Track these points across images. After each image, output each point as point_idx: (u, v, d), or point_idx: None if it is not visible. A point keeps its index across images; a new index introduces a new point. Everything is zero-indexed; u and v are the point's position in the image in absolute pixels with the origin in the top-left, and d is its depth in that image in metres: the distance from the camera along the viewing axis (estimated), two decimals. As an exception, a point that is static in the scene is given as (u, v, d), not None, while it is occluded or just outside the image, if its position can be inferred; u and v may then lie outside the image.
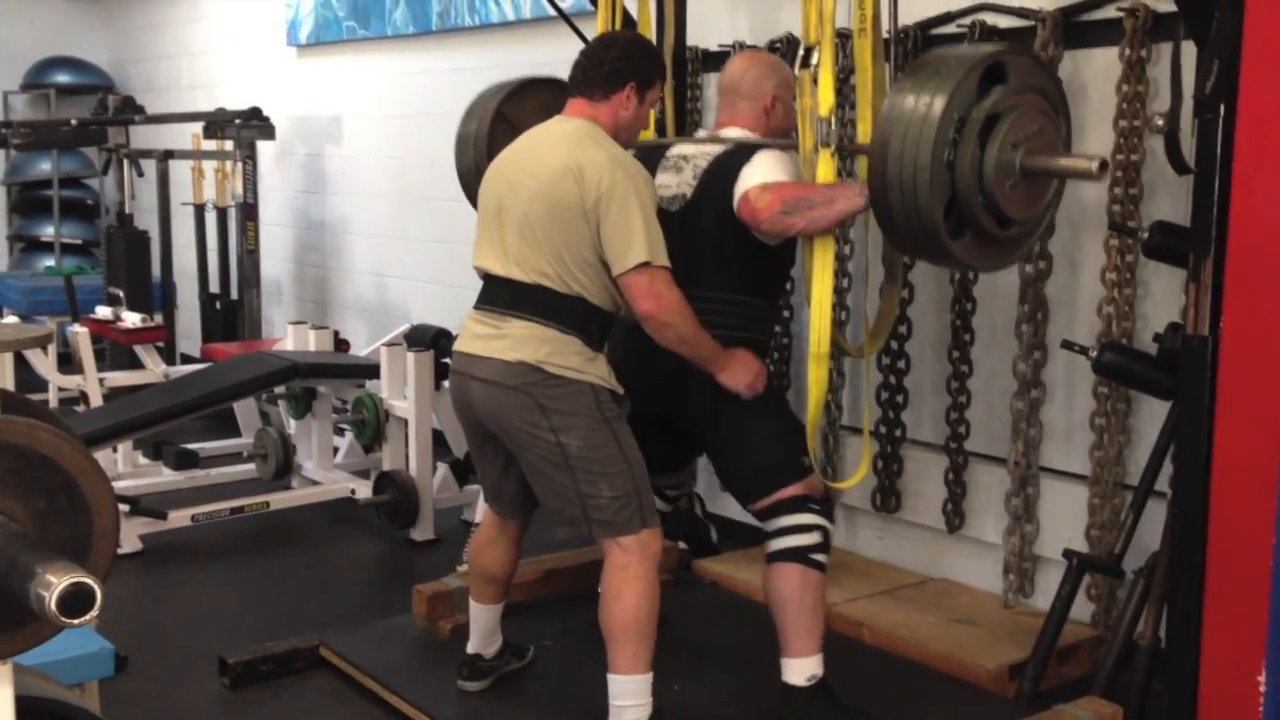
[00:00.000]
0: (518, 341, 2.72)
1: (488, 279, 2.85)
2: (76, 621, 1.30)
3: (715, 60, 4.10)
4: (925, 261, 3.22)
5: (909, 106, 2.44)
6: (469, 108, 3.48)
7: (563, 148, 2.74)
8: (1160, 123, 2.64)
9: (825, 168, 2.69)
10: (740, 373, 2.84)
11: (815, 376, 2.74)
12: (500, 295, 2.80)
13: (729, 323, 2.88)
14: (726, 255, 2.81)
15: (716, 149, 2.93)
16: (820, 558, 2.84)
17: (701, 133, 3.14)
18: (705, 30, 3.86)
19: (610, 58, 2.81)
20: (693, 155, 2.98)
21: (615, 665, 2.74)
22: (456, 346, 2.89)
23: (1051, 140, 2.52)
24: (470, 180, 3.44)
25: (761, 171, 2.79)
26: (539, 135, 2.88)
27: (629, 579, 2.72)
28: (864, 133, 2.78)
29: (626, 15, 3.50)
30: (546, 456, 2.74)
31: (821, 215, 2.66)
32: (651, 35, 3.53)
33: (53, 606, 1.29)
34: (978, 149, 2.44)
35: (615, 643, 2.72)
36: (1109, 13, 3.20)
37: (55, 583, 1.29)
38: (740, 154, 2.86)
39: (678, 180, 2.96)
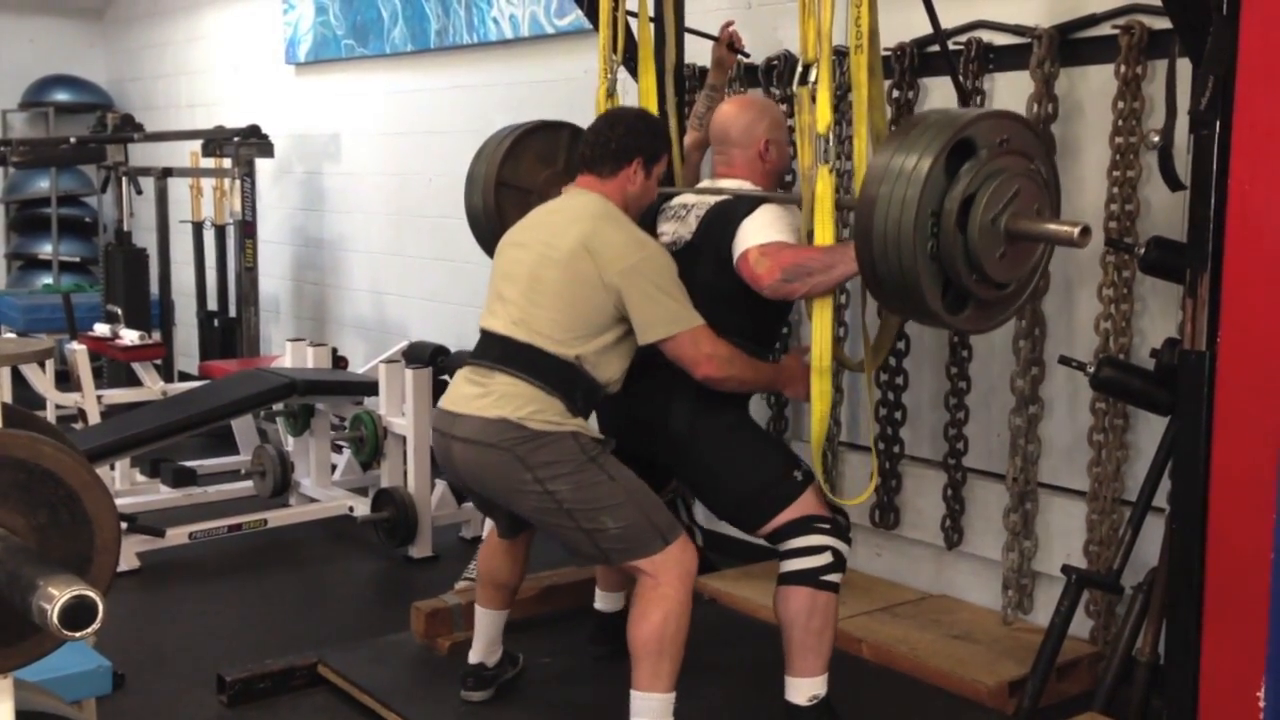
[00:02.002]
0: (500, 398, 2.74)
1: (484, 335, 2.88)
2: (78, 635, 1.30)
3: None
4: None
5: (881, 209, 2.41)
6: (471, 167, 3.49)
7: (578, 225, 2.79)
8: (1156, 139, 2.65)
9: (823, 185, 2.70)
10: (800, 384, 2.86)
11: (819, 391, 2.74)
12: (492, 350, 2.83)
13: None
14: (723, 298, 2.84)
15: (718, 198, 2.98)
16: (832, 578, 2.81)
17: (705, 183, 3.17)
18: (704, 48, 3.87)
19: (616, 135, 2.88)
20: (694, 204, 3.03)
21: (636, 681, 2.73)
22: (440, 404, 2.91)
23: (1033, 194, 2.48)
24: (478, 218, 3.46)
25: (762, 228, 2.82)
26: (553, 209, 2.94)
27: (657, 599, 2.70)
28: (859, 150, 2.80)
29: (629, 34, 3.51)
30: (540, 507, 2.75)
31: (821, 281, 2.70)
32: (650, 54, 3.54)
33: (55, 619, 1.28)
34: (959, 234, 2.42)
35: (638, 659, 2.71)
36: (1105, 30, 3.22)
37: (57, 596, 1.29)
38: (741, 204, 2.90)
39: (678, 227, 3.01)
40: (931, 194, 2.39)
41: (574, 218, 2.83)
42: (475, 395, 2.79)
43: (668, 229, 3.02)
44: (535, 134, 3.47)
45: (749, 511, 2.87)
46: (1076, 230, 2.40)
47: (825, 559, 2.79)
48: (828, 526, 2.82)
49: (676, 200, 3.09)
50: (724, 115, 3.09)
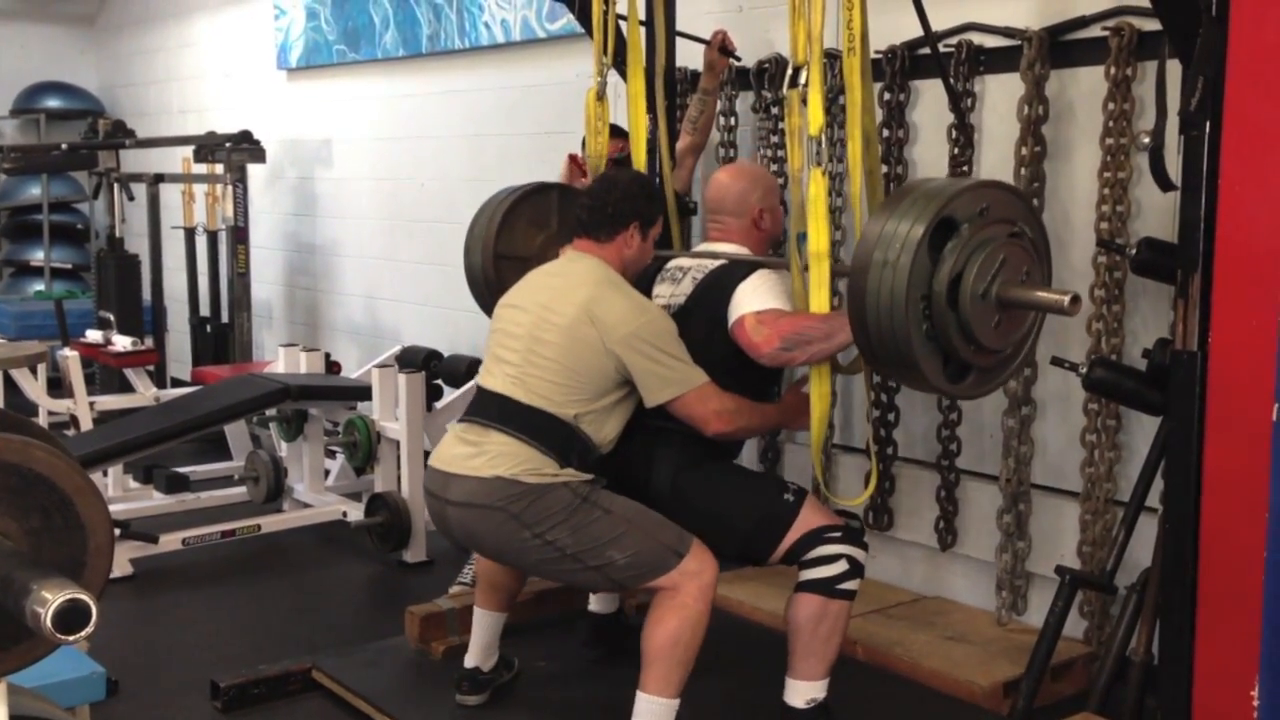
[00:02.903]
0: (495, 457, 2.75)
1: (481, 393, 2.90)
2: (72, 638, 1.30)
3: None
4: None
5: (872, 301, 2.41)
6: (471, 223, 3.49)
7: (580, 291, 2.82)
8: (1146, 140, 2.66)
9: (816, 187, 2.71)
10: (804, 416, 2.86)
11: (818, 393, 2.74)
12: (488, 408, 2.84)
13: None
14: (714, 362, 2.84)
15: (714, 263, 3.00)
16: (848, 586, 2.80)
17: (701, 247, 3.18)
18: (695, 51, 3.88)
19: (613, 200, 2.91)
20: (690, 267, 3.05)
21: (644, 684, 2.73)
22: (431, 461, 2.91)
23: (1020, 259, 2.49)
24: (479, 288, 3.48)
25: (758, 294, 2.83)
26: (553, 273, 2.96)
27: (675, 606, 2.70)
28: (853, 153, 2.80)
29: (619, 37, 3.52)
30: (544, 559, 2.75)
31: (821, 350, 2.72)
32: (640, 57, 3.54)
33: (48, 623, 1.28)
34: (952, 312, 2.43)
35: (649, 663, 2.72)
36: (1095, 32, 3.24)
37: (51, 599, 1.29)
38: (737, 270, 2.92)
39: (674, 290, 3.02)
40: (918, 280, 2.40)
41: (575, 283, 2.85)
42: (468, 455, 2.79)
43: (662, 291, 3.04)
44: (525, 201, 3.48)
45: (753, 545, 2.87)
46: (1067, 299, 2.41)
47: (840, 567, 2.79)
48: (839, 534, 2.82)
49: (673, 263, 3.11)
50: (718, 185, 3.11)
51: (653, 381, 2.77)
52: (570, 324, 2.78)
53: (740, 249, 3.05)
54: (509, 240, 3.44)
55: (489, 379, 2.88)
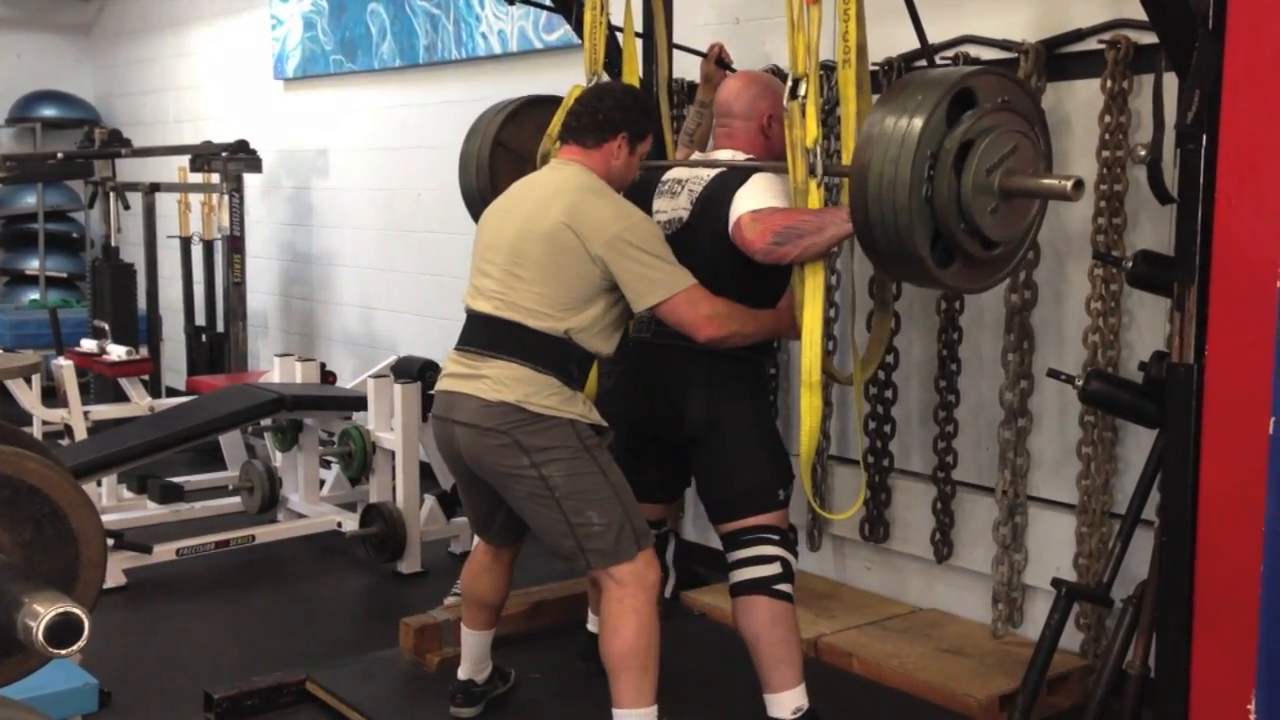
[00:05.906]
0: (496, 382, 2.74)
1: (471, 317, 2.88)
2: (64, 652, 1.29)
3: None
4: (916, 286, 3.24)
5: (880, 147, 2.42)
6: (471, 127, 3.52)
7: (562, 198, 2.78)
8: (1143, 153, 2.66)
9: (813, 198, 2.71)
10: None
11: (809, 405, 2.73)
12: (479, 334, 2.82)
13: None
14: (722, 276, 2.83)
15: (711, 172, 2.97)
16: (784, 588, 2.85)
17: (697, 156, 3.17)
18: (691, 63, 3.88)
19: (605, 107, 2.87)
20: (688, 179, 3.02)
21: (618, 699, 2.73)
22: (437, 386, 2.91)
23: (1028, 156, 2.50)
24: (472, 199, 3.47)
25: (754, 196, 2.82)
26: (536, 183, 2.93)
27: (624, 612, 2.71)
28: (848, 163, 2.80)
29: (616, 47, 3.52)
30: (532, 492, 2.74)
31: (813, 243, 2.69)
32: (638, 68, 3.55)
33: (40, 636, 1.27)
34: (954, 179, 2.42)
35: (617, 676, 2.71)
36: (1091, 45, 3.24)
37: (42, 612, 1.27)
38: (734, 177, 2.90)
39: (673, 205, 3.00)
40: (931, 133, 2.40)
41: (557, 190, 2.81)
42: (470, 376, 2.79)
43: (663, 205, 3.02)
44: (540, 105, 3.48)
45: (736, 504, 2.91)
46: (1070, 184, 2.39)
47: (775, 569, 2.85)
48: (778, 539, 2.88)
49: (670, 175, 3.08)
50: (728, 89, 3.10)
51: (640, 284, 2.72)
52: (551, 231, 2.74)
53: (739, 154, 3.01)
54: (513, 133, 3.42)
55: (474, 300, 2.86)
